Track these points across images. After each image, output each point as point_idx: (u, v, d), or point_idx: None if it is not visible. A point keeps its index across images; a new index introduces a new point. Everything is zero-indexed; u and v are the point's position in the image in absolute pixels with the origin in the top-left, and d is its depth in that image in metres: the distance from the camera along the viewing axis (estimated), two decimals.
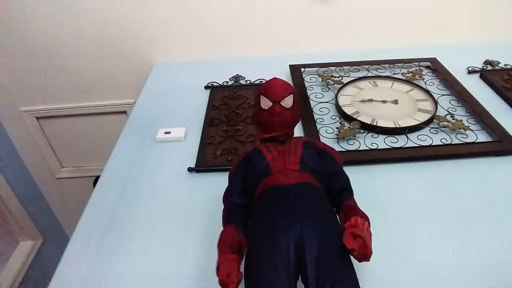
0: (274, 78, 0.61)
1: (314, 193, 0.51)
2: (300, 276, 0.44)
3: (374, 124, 0.88)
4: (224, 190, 0.58)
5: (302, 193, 0.50)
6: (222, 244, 0.49)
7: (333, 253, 0.43)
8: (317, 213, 0.47)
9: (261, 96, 0.60)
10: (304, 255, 0.43)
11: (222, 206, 0.72)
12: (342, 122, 0.90)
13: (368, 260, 0.43)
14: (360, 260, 0.43)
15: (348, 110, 0.92)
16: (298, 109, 0.62)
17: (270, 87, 0.59)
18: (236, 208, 0.55)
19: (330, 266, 0.42)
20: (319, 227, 0.45)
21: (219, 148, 0.85)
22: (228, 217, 0.54)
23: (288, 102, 0.59)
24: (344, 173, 0.58)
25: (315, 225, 0.45)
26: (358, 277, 0.44)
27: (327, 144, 0.62)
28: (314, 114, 0.93)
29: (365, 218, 0.49)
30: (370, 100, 0.97)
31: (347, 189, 0.55)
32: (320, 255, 0.43)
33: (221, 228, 0.68)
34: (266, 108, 0.59)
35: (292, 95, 0.60)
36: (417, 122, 0.88)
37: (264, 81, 1.09)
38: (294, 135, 0.62)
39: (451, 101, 0.98)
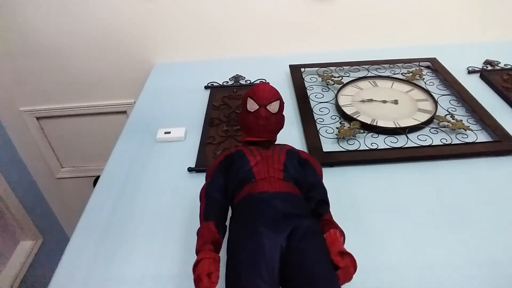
0: (263, 82, 0.63)
1: (296, 202, 0.52)
2: (282, 281, 0.44)
3: (374, 124, 0.88)
4: (203, 186, 0.57)
5: (286, 201, 0.51)
6: (203, 240, 0.50)
7: (315, 259, 0.44)
8: (301, 221, 0.48)
9: (248, 98, 0.61)
10: (289, 260, 0.44)
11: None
12: (342, 122, 0.90)
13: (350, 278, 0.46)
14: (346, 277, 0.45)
15: (348, 110, 0.92)
16: (283, 116, 0.64)
17: (258, 91, 0.61)
18: (216, 204, 0.55)
19: (312, 271, 0.43)
20: (303, 234, 0.46)
21: (219, 148, 0.85)
22: (207, 213, 0.53)
23: (274, 107, 0.60)
24: (323, 185, 0.59)
25: (299, 232, 0.46)
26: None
27: (310, 155, 0.63)
28: (314, 114, 0.93)
29: (341, 231, 0.51)
30: (370, 100, 0.97)
31: (325, 202, 0.56)
32: (304, 261, 0.44)
33: None
34: (252, 110, 0.60)
35: (278, 101, 0.61)
36: (417, 122, 0.88)
37: (264, 81, 1.10)
38: (287, 141, 0.63)
39: (451, 101, 0.98)
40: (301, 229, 0.47)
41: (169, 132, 0.90)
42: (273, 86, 0.62)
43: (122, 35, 1.21)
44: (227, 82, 1.12)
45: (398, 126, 0.87)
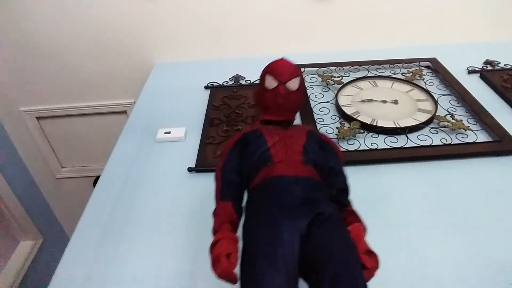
0: (282, 58, 0.59)
1: (316, 187, 0.49)
2: (304, 272, 0.42)
3: (374, 124, 0.88)
4: (218, 165, 0.54)
5: (305, 186, 0.48)
6: (220, 220, 0.47)
7: (339, 248, 0.42)
8: (322, 207, 0.45)
9: (267, 75, 0.57)
10: (310, 250, 0.41)
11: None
12: (342, 122, 0.90)
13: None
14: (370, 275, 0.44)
15: (348, 110, 0.92)
16: (302, 94, 0.60)
17: (277, 67, 0.57)
18: (232, 184, 0.52)
19: (335, 261, 0.40)
20: (325, 222, 0.44)
21: (219, 148, 0.85)
22: (224, 192, 0.51)
23: (293, 84, 0.57)
24: (344, 171, 0.56)
25: (321, 219, 0.44)
26: None
27: (331, 139, 0.59)
28: (314, 114, 0.93)
29: (364, 226, 0.49)
30: (370, 100, 0.97)
31: (346, 191, 0.54)
32: (326, 250, 0.41)
33: None
34: (271, 88, 0.57)
35: (298, 77, 0.58)
36: (417, 122, 0.88)
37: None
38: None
39: (451, 101, 0.98)
40: (322, 216, 0.44)
41: (169, 132, 0.90)
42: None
43: (122, 35, 1.21)
44: (227, 82, 1.12)
45: (398, 126, 0.87)
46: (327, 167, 0.54)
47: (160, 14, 1.17)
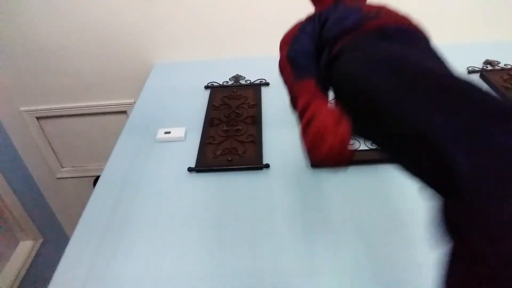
0: None
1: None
2: None
3: None
4: (280, 57, 0.46)
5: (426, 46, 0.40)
6: (307, 96, 0.37)
7: None
8: None
9: None
10: None
11: (224, 203, 0.72)
12: None
13: None
14: None
15: None
16: None
17: None
18: (307, 66, 0.43)
19: None
20: None
21: (219, 148, 0.85)
22: (299, 72, 0.42)
23: None
24: None
25: None
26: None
27: None
28: None
29: None
30: None
31: None
32: None
33: (222, 229, 0.68)
34: None
35: None
36: None
37: (264, 81, 1.10)
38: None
39: None
40: None
41: (169, 132, 0.90)
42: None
43: (122, 35, 1.21)
44: (227, 82, 1.12)
45: None
46: None
47: (160, 14, 1.17)
